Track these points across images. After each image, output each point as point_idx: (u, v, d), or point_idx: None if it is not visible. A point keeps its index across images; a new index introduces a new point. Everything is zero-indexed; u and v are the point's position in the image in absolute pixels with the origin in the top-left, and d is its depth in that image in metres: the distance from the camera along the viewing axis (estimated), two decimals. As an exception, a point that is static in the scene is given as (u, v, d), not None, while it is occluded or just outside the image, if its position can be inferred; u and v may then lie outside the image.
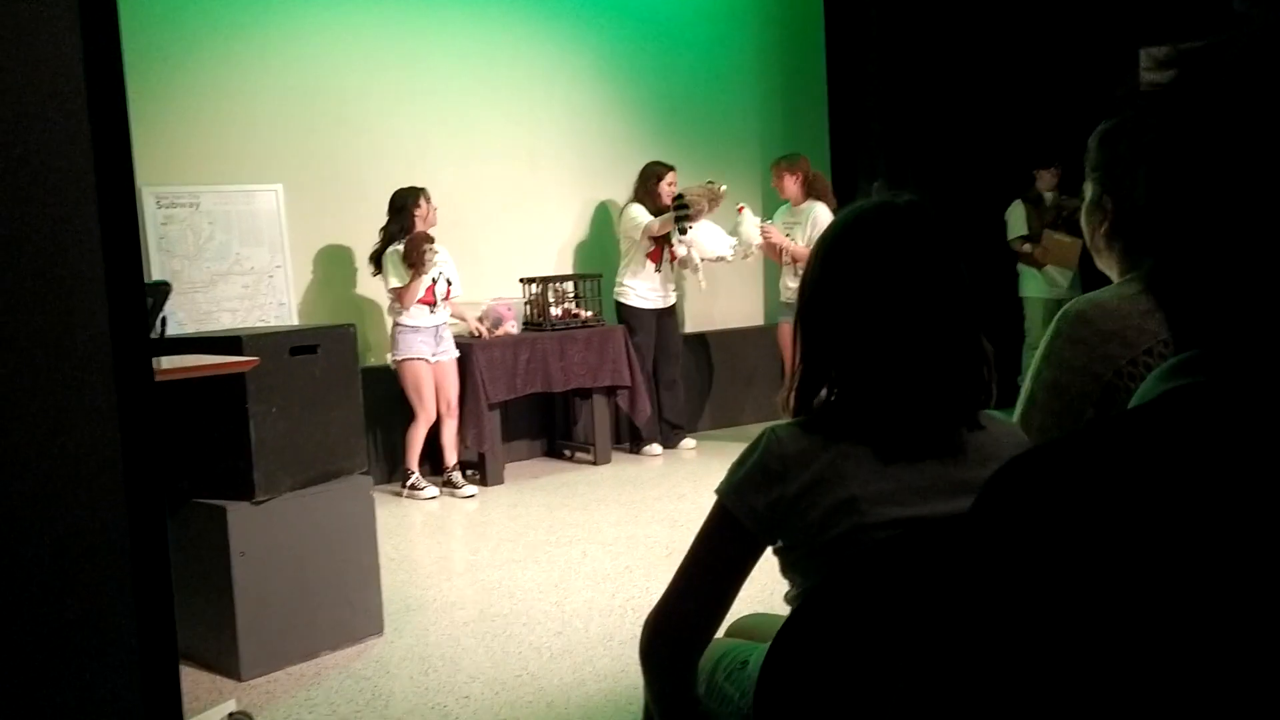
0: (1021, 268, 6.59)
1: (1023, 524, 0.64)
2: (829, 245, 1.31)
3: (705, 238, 5.98)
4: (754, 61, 7.26)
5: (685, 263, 6.09)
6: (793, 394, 1.31)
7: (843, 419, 1.26)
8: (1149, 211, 0.69)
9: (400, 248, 5.17)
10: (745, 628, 1.63)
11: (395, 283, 5.18)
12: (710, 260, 6.09)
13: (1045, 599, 0.61)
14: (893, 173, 7.06)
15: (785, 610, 1.32)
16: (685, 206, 5.83)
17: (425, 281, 5.19)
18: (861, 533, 1.19)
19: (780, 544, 1.28)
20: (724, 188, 5.89)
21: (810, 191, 6.06)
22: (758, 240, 6.06)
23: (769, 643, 1.41)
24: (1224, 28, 0.70)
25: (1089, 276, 6.14)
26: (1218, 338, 0.66)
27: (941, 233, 1.27)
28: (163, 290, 2.78)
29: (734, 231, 6.09)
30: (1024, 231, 6.53)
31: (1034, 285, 6.56)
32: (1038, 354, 1.59)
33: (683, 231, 5.91)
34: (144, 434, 1.91)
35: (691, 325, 6.90)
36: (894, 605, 1.01)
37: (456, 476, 5.40)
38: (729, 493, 1.27)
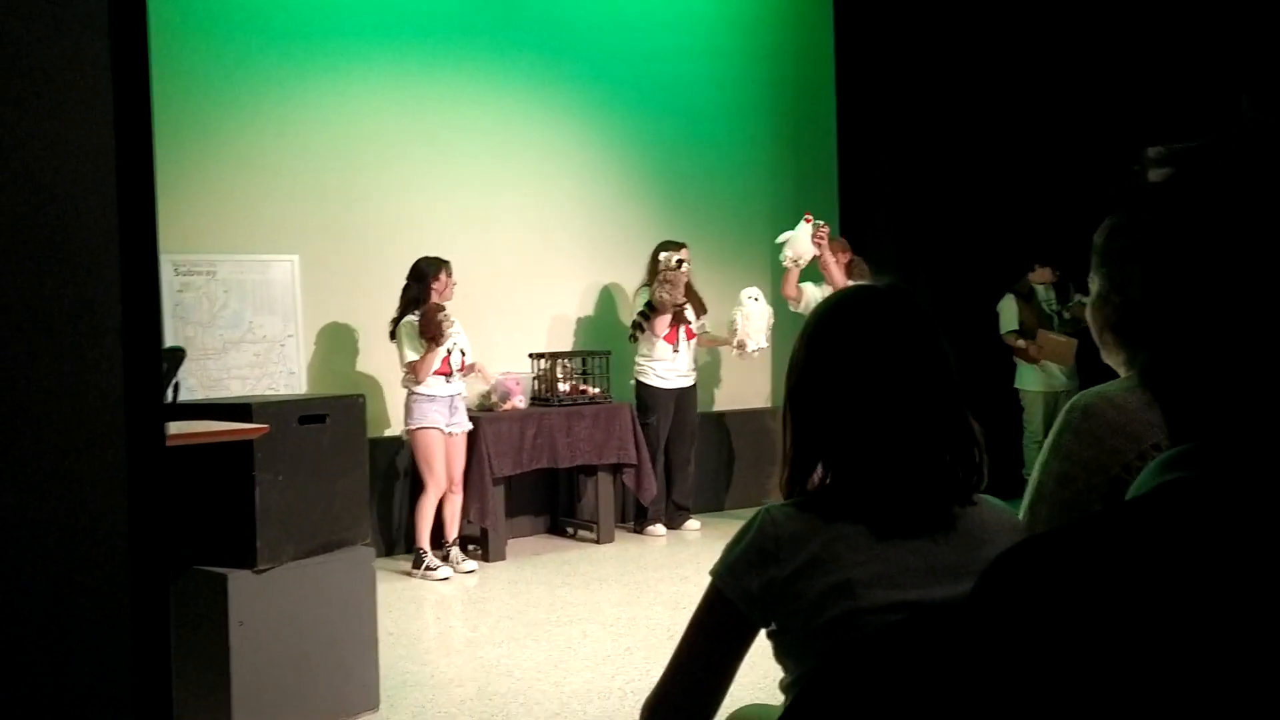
0: (1019, 360, 6.61)
1: (1018, 615, 0.64)
2: (813, 329, 1.33)
3: (755, 326, 6.05)
4: (767, 147, 7.40)
5: (741, 352, 6.16)
6: (785, 477, 1.32)
7: (837, 499, 1.26)
8: (1144, 306, 0.71)
9: (415, 319, 5.21)
10: (744, 717, 1.60)
11: (410, 355, 5.19)
12: (762, 344, 6.15)
13: (1040, 690, 0.62)
14: (899, 260, 7.14)
15: (782, 698, 1.30)
16: (645, 315, 6.05)
17: (440, 353, 5.20)
18: (856, 617, 1.19)
19: (773, 627, 1.27)
20: (676, 259, 5.93)
21: (851, 275, 6.13)
22: (811, 251, 6.09)
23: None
24: (1229, 128, 0.72)
25: (1085, 369, 6.17)
26: (1211, 432, 0.67)
27: (923, 315, 1.29)
28: (177, 356, 2.81)
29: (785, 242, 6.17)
30: (1014, 326, 6.57)
31: (1031, 378, 6.55)
32: (1045, 446, 1.60)
33: (633, 339, 6.13)
34: (153, 502, 1.91)
35: (702, 404, 6.91)
36: (892, 695, 1.01)
37: (456, 552, 5.35)
38: (723, 573, 1.27)
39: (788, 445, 1.32)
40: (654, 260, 6.20)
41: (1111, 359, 1.71)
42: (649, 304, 6.05)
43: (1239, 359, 0.65)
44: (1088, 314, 1.76)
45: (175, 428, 2.66)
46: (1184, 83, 6.24)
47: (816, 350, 1.31)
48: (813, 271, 6.29)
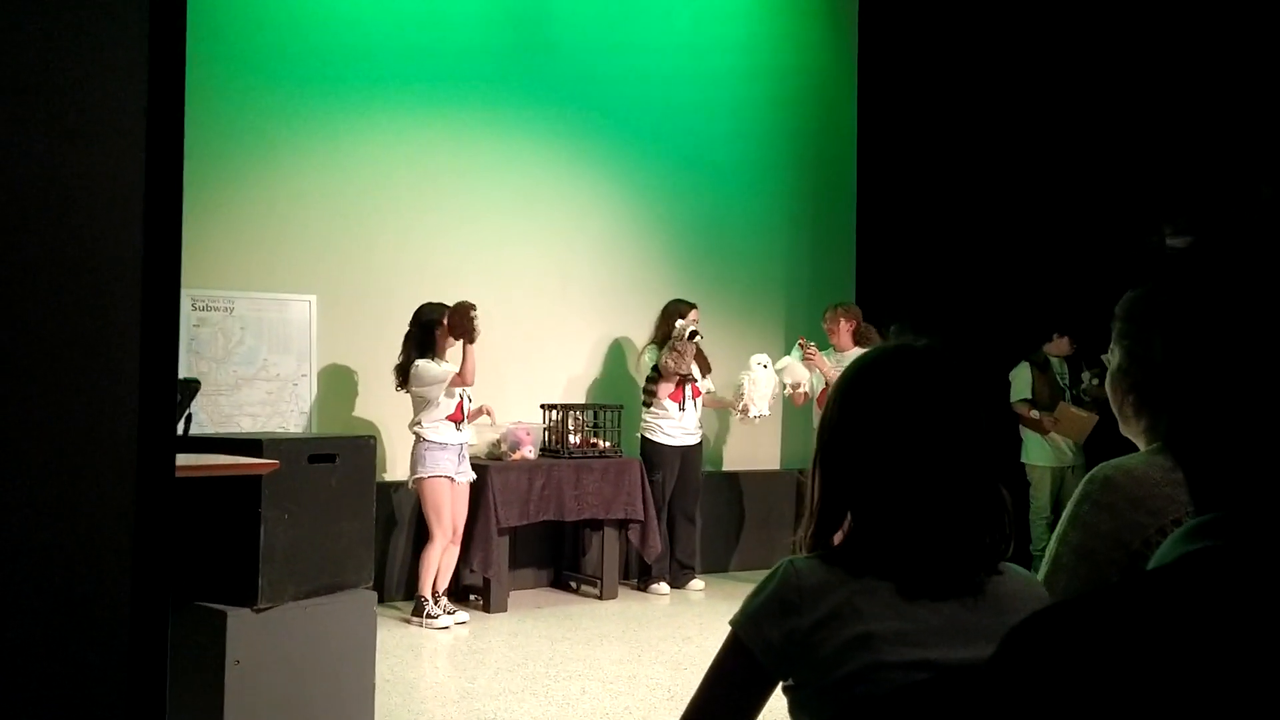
0: (1026, 433, 6.49)
1: (1040, 681, 0.63)
2: (847, 386, 1.32)
3: (760, 393, 6.05)
4: (786, 207, 7.45)
5: (744, 417, 6.16)
6: (810, 532, 1.31)
7: (864, 555, 1.25)
8: (1165, 372, 0.71)
9: (430, 361, 5.17)
10: None
11: (444, 375, 5.11)
12: (764, 412, 6.16)
13: None
14: (914, 326, 7.11)
15: None
16: (653, 380, 6.07)
17: (452, 403, 5.17)
18: (875, 671, 1.17)
19: (790, 682, 1.25)
20: (690, 330, 5.95)
21: (860, 341, 6.13)
22: (807, 375, 6.14)
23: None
24: (1252, 200, 0.73)
25: (1092, 447, 6.12)
26: (1236, 501, 0.67)
27: (959, 377, 1.29)
28: (192, 388, 2.81)
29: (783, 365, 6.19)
30: (1028, 395, 6.49)
31: (1039, 453, 6.43)
32: (1064, 517, 1.58)
33: (646, 405, 6.12)
34: (159, 532, 1.90)
35: (710, 464, 6.88)
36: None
37: (446, 602, 5.28)
38: (743, 623, 1.25)
39: (815, 500, 1.32)
40: (663, 318, 6.20)
41: (1130, 431, 1.70)
42: (655, 368, 6.05)
43: (1264, 426, 0.65)
44: (1108, 385, 1.75)
45: (184, 459, 2.66)
46: (1206, 166, 6.28)
47: (850, 406, 1.31)
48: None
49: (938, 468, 1.24)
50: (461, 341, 5.18)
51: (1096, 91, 6.76)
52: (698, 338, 5.99)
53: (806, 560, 1.27)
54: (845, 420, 1.30)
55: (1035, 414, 6.42)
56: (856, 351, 6.08)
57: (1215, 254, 0.70)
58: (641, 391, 6.17)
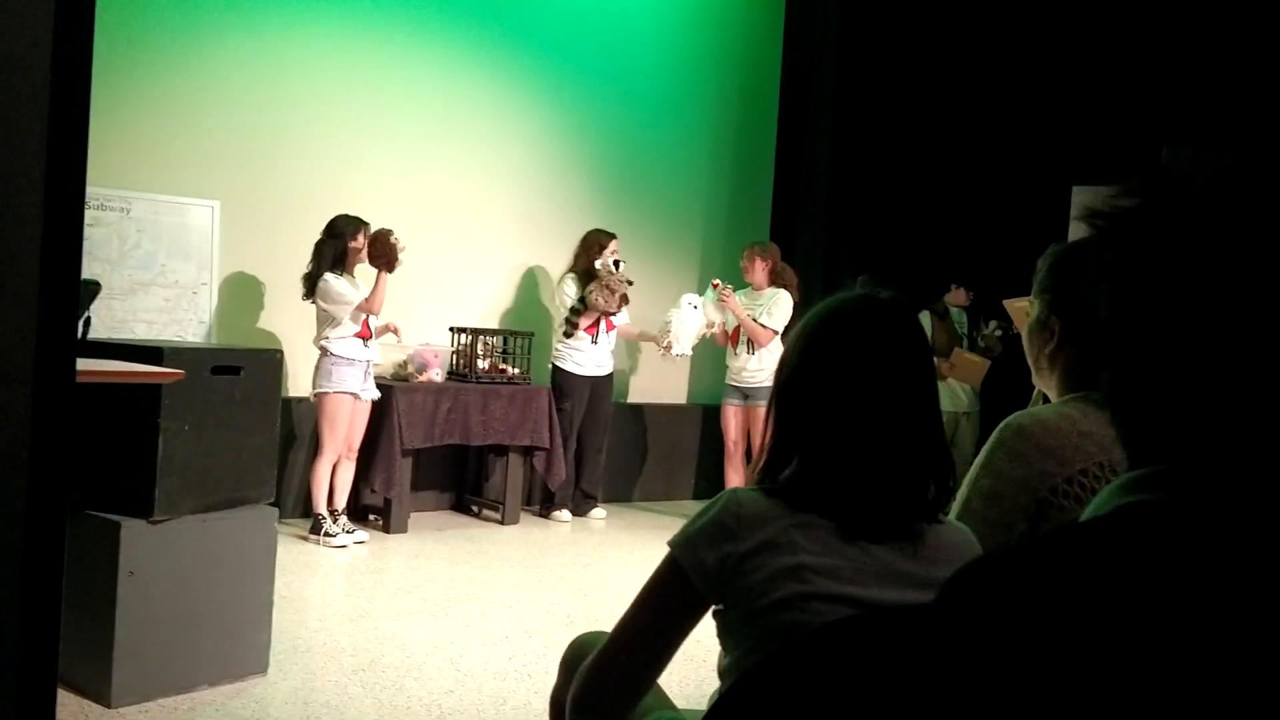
0: None
1: (979, 630, 0.64)
2: (812, 330, 1.34)
3: (686, 331, 6.04)
4: (707, 144, 7.42)
5: (665, 353, 6.12)
6: (760, 466, 1.33)
7: (808, 492, 1.27)
8: (1109, 328, 0.72)
9: (339, 276, 5.07)
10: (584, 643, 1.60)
11: (351, 298, 5.03)
12: (686, 352, 6.16)
13: (996, 707, 0.61)
14: (826, 266, 7.24)
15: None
16: (576, 312, 6.01)
17: (386, 285, 5.07)
18: (803, 601, 1.20)
19: (721, 606, 1.28)
20: (620, 266, 5.94)
21: (775, 280, 6.16)
22: (715, 317, 6.16)
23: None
24: (1150, 170, 0.74)
25: (988, 395, 6.35)
26: (1175, 455, 0.68)
27: (919, 332, 1.32)
28: (91, 289, 2.68)
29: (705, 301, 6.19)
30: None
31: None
32: (976, 462, 1.63)
33: (567, 335, 6.07)
34: (57, 438, 1.82)
35: (618, 395, 6.90)
36: (834, 693, 1.01)
37: (345, 520, 5.22)
38: (681, 545, 1.28)
39: (768, 436, 1.34)
40: (583, 248, 6.15)
41: (1044, 383, 1.75)
42: (582, 301, 6.00)
43: (1207, 382, 0.66)
44: (1024, 336, 1.80)
45: (84, 364, 2.54)
46: (1111, 127, 6.46)
47: (814, 350, 1.33)
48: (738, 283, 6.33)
49: (892, 415, 1.27)
50: (378, 269, 5.05)
51: (1010, 48, 6.87)
52: (622, 266, 5.96)
53: (749, 491, 1.29)
54: (806, 362, 1.32)
55: (934, 360, 6.60)
56: (772, 291, 6.14)
57: (1163, 213, 0.71)
58: (564, 322, 6.10)
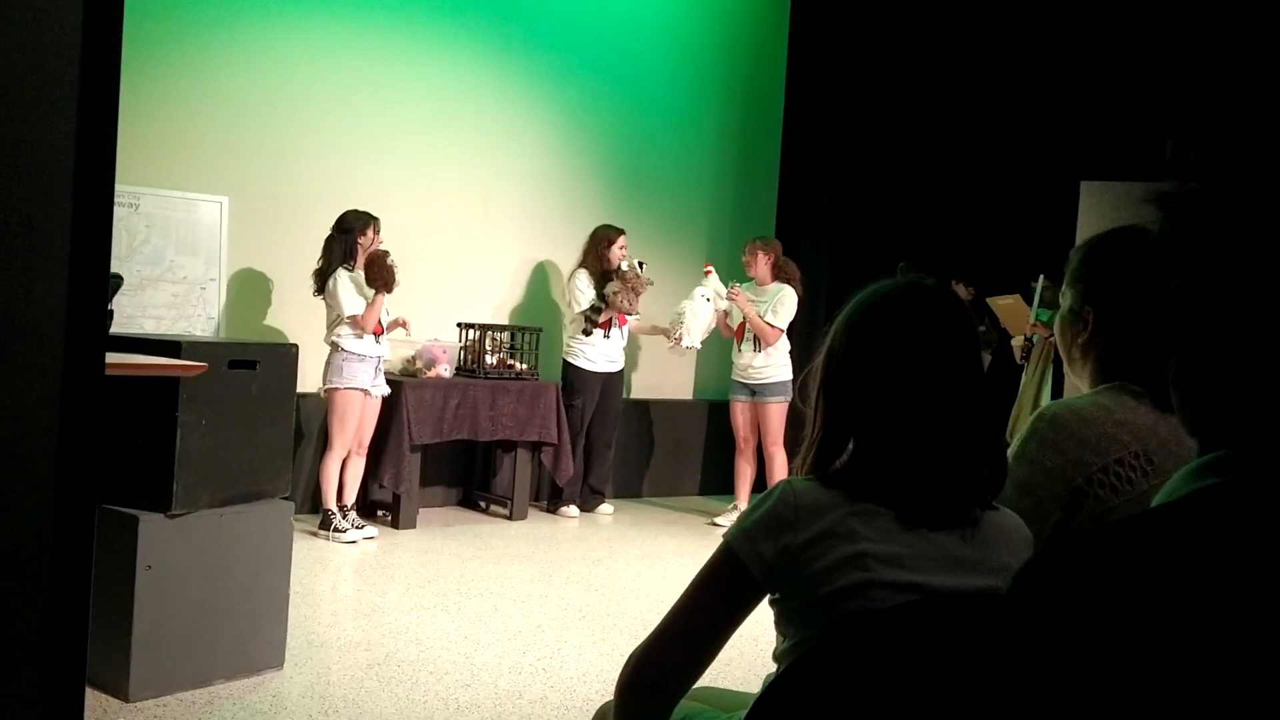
0: None
1: (1058, 617, 0.64)
2: (857, 319, 1.34)
3: (697, 324, 6.03)
4: (714, 141, 7.42)
5: (676, 345, 6.10)
6: (810, 458, 1.33)
7: (865, 481, 1.27)
8: (1180, 311, 0.72)
9: (355, 273, 5.07)
10: (707, 695, 1.61)
11: (354, 308, 5.03)
12: (696, 345, 6.14)
13: (1074, 689, 0.61)
14: (832, 262, 7.24)
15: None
16: (598, 310, 5.98)
17: (384, 303, 5.07)
18: (865, 589, 1.21)
19: (778, 595, 1.28)
20: (643, 266, 5.96)
21: (778, 275, 6.15)
22: (722, 305, 6.15)
23: (734, 713, 1.39)
24: (1157, 167, 0.74)
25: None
26: (1245, 438, 0.68)
27: (967, 318, 1.32)
28: (115, 283, 2.68)
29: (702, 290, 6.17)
30: None
31: None
32: (1011, 452, 1.63)
33: (587, 334, 6.04)
34: (85, 432, 1.82)
35: (626, 391, 6.90)
36: (895, 675, 1.01)
37: (354, 516, 5.22)
38: (738, 537, 1.28)
39: (817, 427, 1.34)
40: (591, 243, 6.14)
41: (1077, 373, 1.75)
42: (603, 299, 5.98)
43: (1277, 365, 0.66)
44: (1056, 327, 1.80)
45: (108, 358, 2.54)
46: (1117, 123, 6.46)
47: (863, 339, 1.33)
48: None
49: (944, 402, 1.27)
50: (375, 289, 5.03)
51: (1016, 45, 6.87)
52: (644, 267, 5.97)
53: (804, 480, 1.29)
54: (856, 352, 1.32)
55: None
56: (779, 285, 6.13)
57: (1235, 195, 0.71)
58: (583, 320, 6.06)
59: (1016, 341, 6.44)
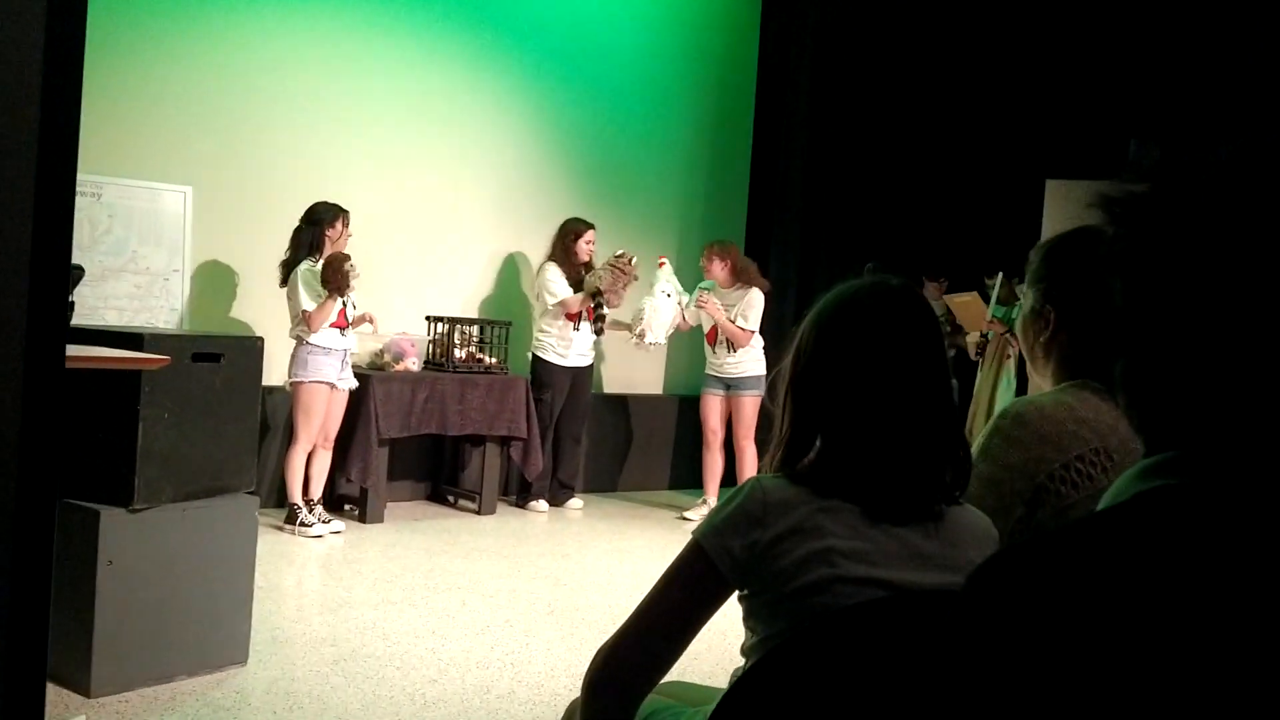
0: None
1: (1007, 620, 0.64)
2: (824, 319, 1.35)
3: (660, 320, 6.06)
4: (684, 135, 7.42)
5: (639, 342, 6.13)
6: (779, 455, 1.34)
7: (832, 477, 1.29)
8: (1126, 314, 0.72)
9: (316, 267, 5.03)
10: (674, 690, 1.62)
11: (307, 304, 5.00)
12: (660, 340, 6.19)
13: (1026, 692, 0.62)
14: (802, 259, 7.28)
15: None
16: (602, 306, 6.02)
17: (338, 305, 5.04)
18: (832, 584, 1.22)
19: (747, 591, 1.29)
20: (634, 259, 5.98)
21: (739, 276, 6.17)
22: (685, 299, 6.21)
23: (700, 707, 1.40)
24: (1120, 166, 0.75)
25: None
26: (1191, 440, 0.69)
27: (932, 317, 1.34)
28: (75, 275, 2.64)
29: (652, 282, 6.19)
30: None
31: None
32: (975, 448, 1.65)
33: (599, 333, 6.11)
34: (47, 426, 1.80)
35: (598, 386, 6.90)
36: (865, 673, 1.02)
37: (321, 510, 5.18)
38: (708, 534, 1.29)
39: (786, 425, 1.35)
40: (559, 236, 6.13)
41: (1039, 371, 1.78)
42: (599, 293, 5.98)
43: (1223, 367, 0.66)
44: (1018, 327, 1.82)
45: (69, 350, 2.50)
46: (1081, 122, 6.54)
47: (830, 339, 1.34)
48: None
49: (912, 398, 1.28)
50: (330, 292, 4.96)
51: (983, 46, 6.93)
52: (634, 261, 5.98)
53: (773, 478, 1.31)
54: (823, 351, 1.33)
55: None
56: (747, 288, 6.15)
57: (1180, 199, 0.71)
58: (594, 319, 6.07)
59: (972, 338, 6.52)
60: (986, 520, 1.41)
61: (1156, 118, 6.10)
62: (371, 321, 5.34)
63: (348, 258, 5.01)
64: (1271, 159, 0.68)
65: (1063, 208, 5.51)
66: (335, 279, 4.93)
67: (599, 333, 6.12)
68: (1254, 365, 0.65)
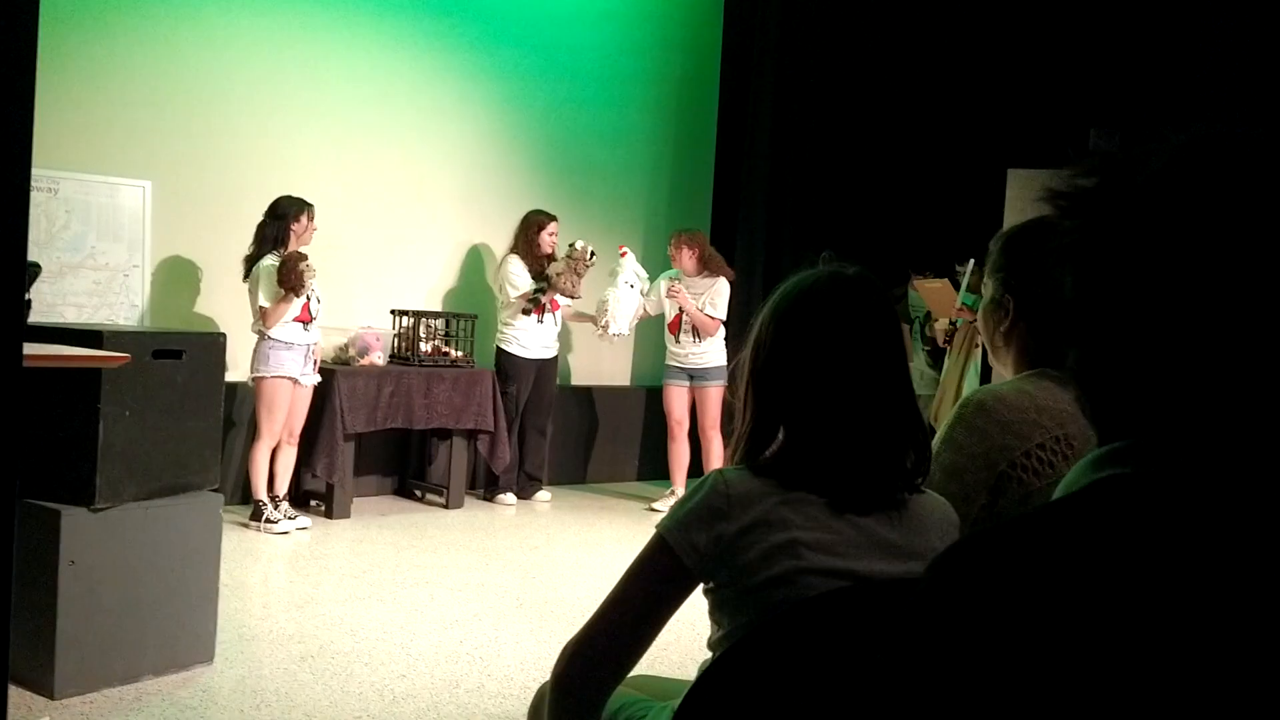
0: None
1: (965, 610, 0.65)
2: (782, 311, 1.35)
3: (623, 311, 6.05)
4: (649, 123, 7.41)
5: (603, 333, 6.14)
6: (742, 448, 1.34)
7: (796, 469, 1.29)
8: (1077, 306, 0.73)
9: (273, 262, 4.97)
10: (642, 683, 1.62)
11: (265, 300, 4.96)
12: (624, 331, 6.18)
13: (985, 682, 0.63)
14: (768, 251, 7.30)
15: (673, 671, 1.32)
16: (541, 290, 5.96)
17: (299, 302, 4.99)
18: (798, 575, 1.23)
19: (712, 584, 1.30)
20: (590, 249, 5.96)
21: (706, 265, 6.18)
22: (646, 288, 6.21)
23: (668, 701, 1.41)
24: (1081, 156, 0.75)
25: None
26: (1143, 429, 0.70)
27: (889, 306, 1.34)
28: (32, 272, 2.60)
29: (614, 272, 6.18)
30: None
31: None
32: (937, 438, 1.66)
33: (526, 313, 6.01)
34: (5, 424, 1.77)
35: (560, 378, 6.89)
36: (826, 660, 1.03)
37: (286, 506, 5.15)
38: (672, 528, 1.29)
39: (748, 418, 1.35)
40: (522, 228, 6.11)
41: (1000, 360, 1.80)
42: (546, 279, 5.96)
43: (1174, 356, 0.67)
44: (979, 316, 1.84)
45: (27, 349, 2.47)
46: (1042, 112, 6.60)
47: (789, 330, 1.34)
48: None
49: (872, 387, 1.29)
50: (285, 290, 4.90)
51: (945, 37, 6.97)
52: (593, 256, 5.96)
53: (735, 470, 1.31)
54: (782, 342, 1.33)
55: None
56: (714, 278, 6.16)
57: (1127, 191, 0.72)
58: (527, 301, 6.00)
59: (941, 325, 6.57)
60: (948, 507, 1.42)
61: (1117, 107, 6.18)
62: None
63: (304, 257, 4.95)
64: (1218, 149, 0.69)
65: (1023, 196, 5.57)
66: (289, 279, 4.87)
67: (526, 313, 6.01)
68: (1202, 354, 0.66)
